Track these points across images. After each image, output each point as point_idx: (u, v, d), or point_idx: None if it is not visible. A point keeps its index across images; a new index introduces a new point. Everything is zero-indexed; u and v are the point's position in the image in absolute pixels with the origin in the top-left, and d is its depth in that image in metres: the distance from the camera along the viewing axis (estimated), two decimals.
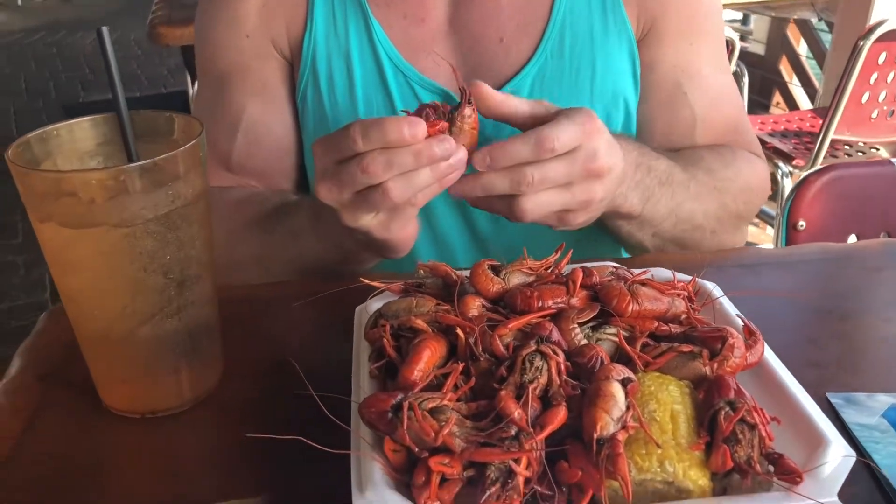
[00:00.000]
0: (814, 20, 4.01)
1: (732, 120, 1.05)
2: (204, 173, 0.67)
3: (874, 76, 2.34)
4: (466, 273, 0.71)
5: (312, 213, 0.88)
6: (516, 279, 0.70)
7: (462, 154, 0.72)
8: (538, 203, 0.74)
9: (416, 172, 0.70)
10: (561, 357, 0.59)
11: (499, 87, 0.96)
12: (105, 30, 0.65)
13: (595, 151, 0.74)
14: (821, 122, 2.48)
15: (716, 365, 0.61)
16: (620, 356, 0.63)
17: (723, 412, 0.55)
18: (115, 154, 0.70)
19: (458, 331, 0.62)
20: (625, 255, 1.09)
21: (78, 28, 7.15)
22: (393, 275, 0.77)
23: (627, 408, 0.54)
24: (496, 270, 0.70)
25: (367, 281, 0.73)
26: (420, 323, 0.64)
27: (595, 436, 0.52)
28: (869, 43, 2.22)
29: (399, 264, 0.87)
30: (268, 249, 0.93)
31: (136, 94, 5.50)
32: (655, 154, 0.89)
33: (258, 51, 0.98)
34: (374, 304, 0.72)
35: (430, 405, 0.54)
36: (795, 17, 4.00)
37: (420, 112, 0.73)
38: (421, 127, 0.69)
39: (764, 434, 0.54)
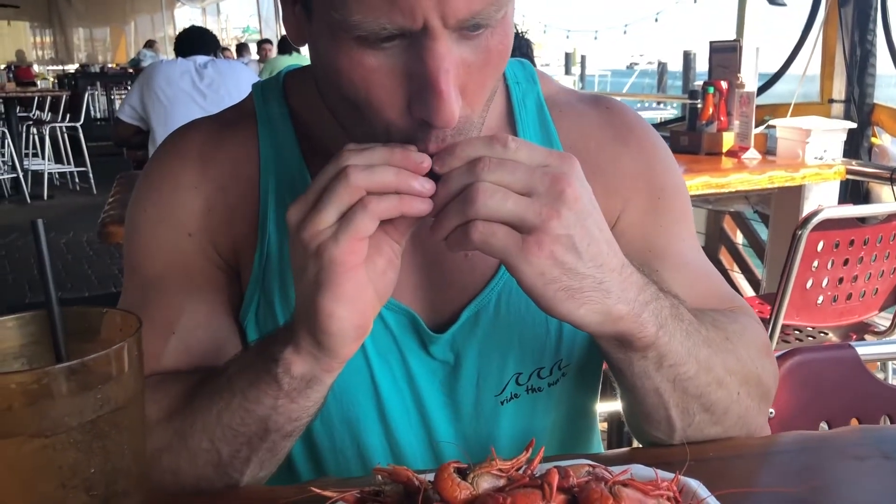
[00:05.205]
0: (748, 212, 4.22)
1: (720, 291, 0.98)
2: (140, 374, 0.61)
3: (815, 263, 2.40)
4: (430, 477, 0.64)
5: (240, 356, 0.82)
6: (486, 483, 0.63)
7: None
8: (493, 199, 0.68)
9: (382, 168, 0.69)
10: None
11: (464, 304, 0.90)
12: (40, 222, 0.61)
13: (564, 173, 0.69)
14: (769, 308, 2.52)
15: None
16: None
17: None
18: (42, 355, 0.64)
19: None
20: (596, 450, 1.03)
21: (30, 231, 7.14)
22: (347, 482, 0.69)
23: None
24: (463, 474, 0.64)
25: (317, 490, 0.66)
26: None
27: None
28: (806, 232, 2.29)
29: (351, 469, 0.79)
30: (185, 422, 0.80)
31: (85, 293, 5.42)
32: (659, 287, 0.81)
33: (202, 250, 0.91)
34: None
35: None
36: (731, 210, 4.20)
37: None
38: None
39: None
